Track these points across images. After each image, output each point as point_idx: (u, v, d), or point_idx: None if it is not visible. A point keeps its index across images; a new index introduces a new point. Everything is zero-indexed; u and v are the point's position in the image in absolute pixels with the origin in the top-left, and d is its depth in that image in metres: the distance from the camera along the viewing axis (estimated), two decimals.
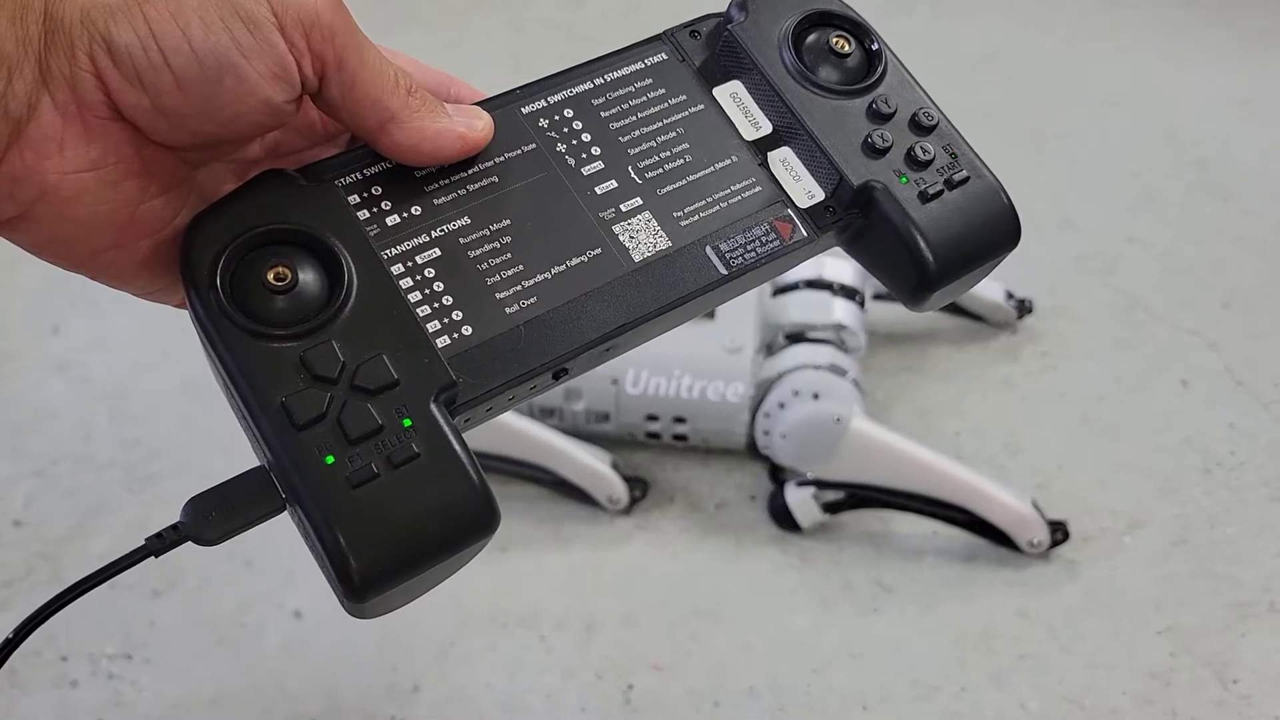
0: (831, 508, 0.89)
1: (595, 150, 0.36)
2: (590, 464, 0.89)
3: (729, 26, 0.38)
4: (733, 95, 0.38)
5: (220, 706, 0.78)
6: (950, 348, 1.09)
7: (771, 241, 0.36)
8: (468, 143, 0.34)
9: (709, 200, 0.36)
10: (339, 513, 0.29)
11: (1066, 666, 0.82)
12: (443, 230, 0.33)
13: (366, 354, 0.31)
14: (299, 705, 0.78)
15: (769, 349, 0.95)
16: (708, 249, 0.35)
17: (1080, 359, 1.09)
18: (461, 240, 0.33)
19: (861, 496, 0.89)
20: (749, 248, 0.36)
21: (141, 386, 1.01)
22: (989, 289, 1.09)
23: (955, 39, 1.52)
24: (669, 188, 0.36)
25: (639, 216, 0.35)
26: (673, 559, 0.89)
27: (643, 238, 0.35)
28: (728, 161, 0.37)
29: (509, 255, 0.34)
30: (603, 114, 0.37)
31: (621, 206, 0.35)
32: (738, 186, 0.37)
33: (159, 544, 0.31)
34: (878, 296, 1.05)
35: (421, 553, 0.30)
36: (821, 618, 0.85)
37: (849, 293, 0.99)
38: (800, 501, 0.89)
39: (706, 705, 0.79)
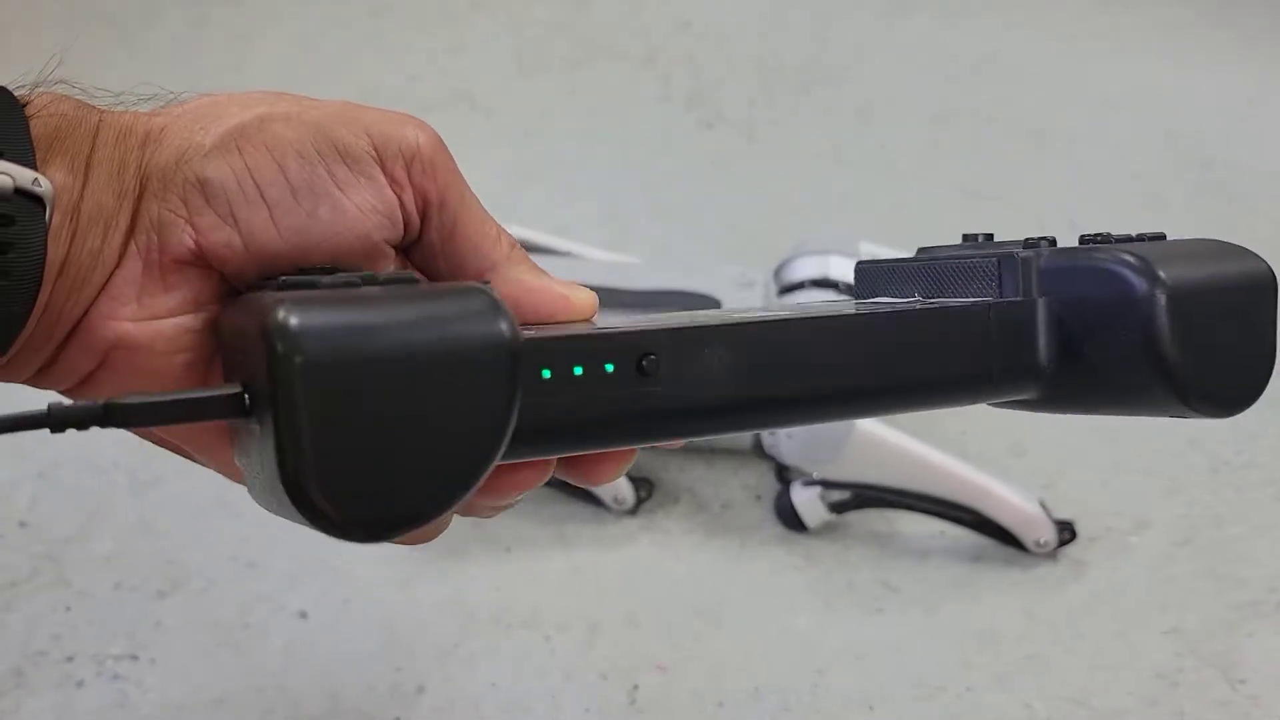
0: (838, 507, 0.89)
1: (710, 311, 0.34)
2: None
3: (861, 265, 0.38)
4: (874, 299, 0.36)
5: (224, 707, 0.78)
6: None
7: (925, 304, 0.31)
8: (571, 305, 0.31)
9: (828, 307, 0.33)
10: (288, 301, 0.23)
11: (1072, 667, 0.82)
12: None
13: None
14: (302, 706, 0.78)
15: None
16: (830, 308, 0.32)
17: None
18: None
19: (867, 496, 0.89)
20: (899, 305, 0.31)
21: None
22: None
23: (956, 40, 1.52)
24: (789, 305, 0.33)
25: (749, 311, 0.32)
26: (677, 559, 0.89)
27: (745, 306, 0.32)
28: (875, 305, 0.33)
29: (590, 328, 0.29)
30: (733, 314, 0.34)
31: (736, 310, 0.33)
32: (860, 305, 0.34)
33: (67, 411, 0.26)
34: None
35: (401, 345, 0.23)
36: (826, 618, 0.85)
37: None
38: (806, 501, 0.88)
39: (710, 706, 0.79)
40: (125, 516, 0.90)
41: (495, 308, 0.24)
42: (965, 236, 0.35)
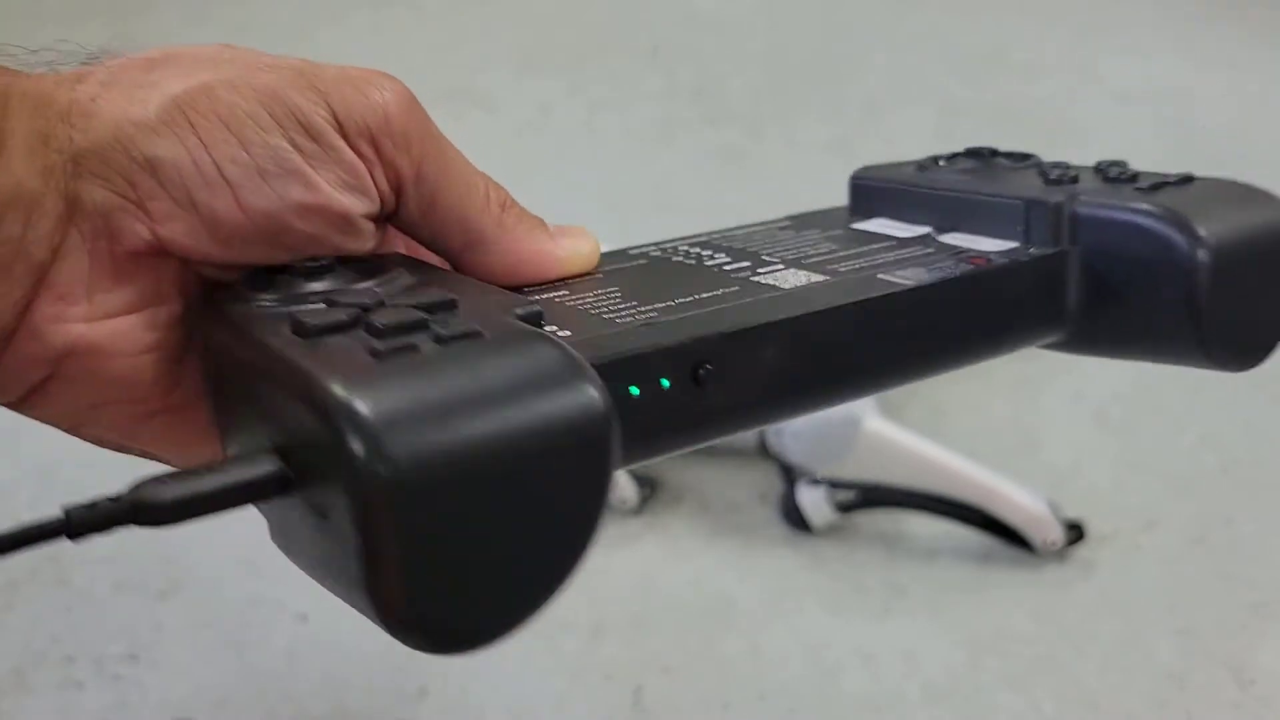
0: (844, 507, 0.88)
1: (717, 255, 0.30)
2: None
3: (858, 180, 0.36)
4: (875, 223, 0.34)
5: (225, 708, 0.78)
6: None
7: (963, 267, 0.29)
8: (567, 269, 0.29)
9: (872, 258, 0.29)
10: (336, 377, 0.19)
11: (1082, 668, 0.81)
12: (535, 292, 0.28)
13: (419, 297, 0.23)
14: (304, 708, 0.78)
15: None
16: (881, 275, 0.28)
17: (1095, 358, 1.08)
18: (556, 296, 0.27)
19: (875, 496, 0.88)
20: (934, 272, 0.28)
21: None
22: None
23: (966, 34, 1.51)
24: (814, 258, 0.30)
25: (783, 272, 0.29)
26: (682, 560, 0.88)
27: (791, 279, 0.28)
28: (888, 244, 0.31)
29: (618, 300, 0.27)
30: (724, 243, 0.32)
31: (759, 269, 0.29)
32: (905, 250, 0.30)
33: (87, 514, 0.22)
34: None
35: (491, 429, 0.19)
36: (833, 619, 0.84)
37: None
38: (813, 501, 0.88)
39: (716, 708, 0.78)
40: None
41: (578, 370, 0.21)
42: (969, 151, 0.35)
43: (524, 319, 0.23)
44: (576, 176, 1.30)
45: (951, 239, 0.31)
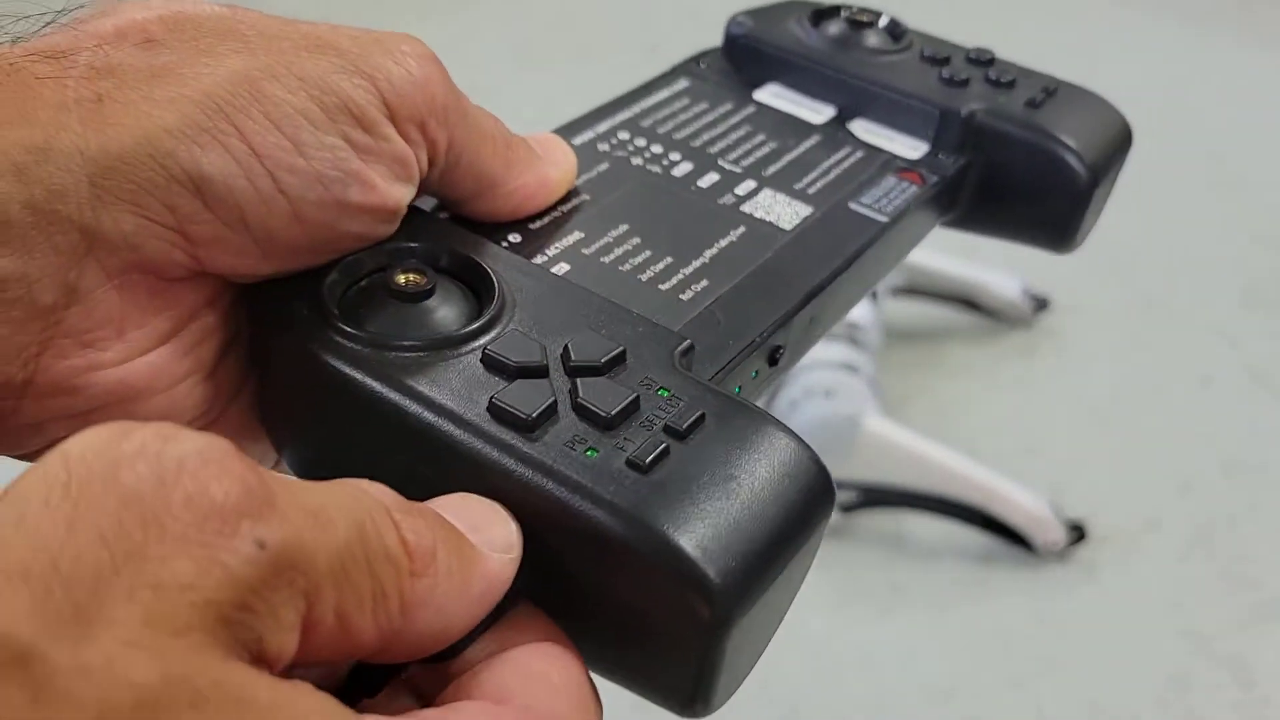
0: (845, 508, 0.88)
1: (674, 155, 0.32)
2: None
3: (741, 38, 0.36)
4: (775, 95, 0.35)
5: None
6: (966, 345, 1.08)
7: (909, 190, 0.32)
8: (564, 190, 0.28)
9: (821, 170, 0.32)
10: (650, 507, 0.20)
11: (1084, 669, 0.81)
12: (557, 247, 0.27)
13: (565, 335, 0.23)
14: None
15: None
16: (852, 205, 0.31)
17: (1097, 357, 1.08)
18: (585, 251, 0.27)
19: (876, 496, 0.88)
20: (892, 197, 0.32)
21: None
22: (1005, 285, 1.08)
23: (961, 35, 1.50)
24: (772, 169, 0.32)
25: (762, 194, 0.31)
26: None
27: (779, 210, 0.30)
28: (813, 140, 0.34)
29: (649, 252, 0.28)
30: (659, 130, 0.33)
31: (737, 191, 0.31)
32: (839, 156, 0.33)
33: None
34: (894, 293, 1.04)
35: (772, 533, 0.21)
36: (835, 620, 0.84)
37: None
38: None
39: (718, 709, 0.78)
40: None
41: (809, 454, 0.22)
42: (849, 19, 0.37)
43: (685, 356, 0.24)
44: None
45: (864, 131, 0.34)
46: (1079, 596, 0.86)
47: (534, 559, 0.21)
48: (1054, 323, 1.11)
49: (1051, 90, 0.35)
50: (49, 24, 0.22)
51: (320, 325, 0.23)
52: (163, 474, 0.15)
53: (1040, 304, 1.10)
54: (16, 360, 0.20)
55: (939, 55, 0.36)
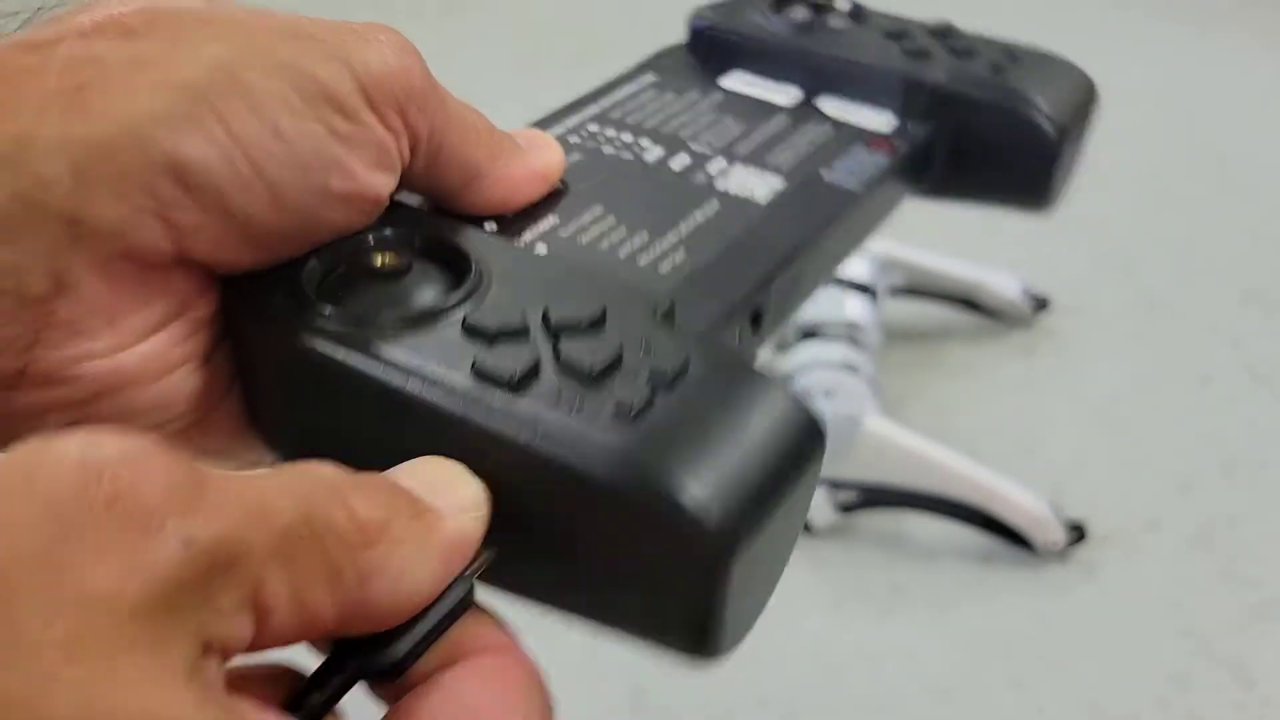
0: (845, 508, 0.88)
1: (644, 142, 0.32)
2: None
3: (705, 29, 0.37)
4: (741, 81, 0.36)
5: None
6: (966, 345, 1.08)
7: (881, 158, 0.33)
8: (551, 184, 0.28)
9: (791, 146, 0.33)
10: (639, 451, 0.20)
11: (1083, 669, 0.81)
12: (533, 232, 0.27)
13: (545, 299, 0.23)
14: None
15: (780, 346, 0.94)
16: (825, 176, 0.32)
17: (1097, 356, 1.08)
18: (561, 234, 0.27)
19: (875, 496, 0.88)
20: (864, 166, 0.32)
21: None
22: (1005, 285, 1.08)
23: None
24: (743, 147, 0.32)
25: (734, 171, 0.31)
26: None
27: (753, 184, 0.31)
28: (782, 119, 0.34)
29: (624, 230, 0.28)
30: (629, 120, 0.34)
31: (709, 169, 0.31)
32: (808, 133, 0.34)
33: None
34: (893, 292, 1.04)
35: (764, 470, 0.21)
36: (834, 620, 0.84)
37: (862, 289, 0.97)
38: (814, 502, 0.87)
39: (717, 708, 0.78)
40: None
41: (797, 400, 0.23)
42: (813, 6, 0.38)
43: (667, 316, 0.24)
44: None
45: (831, 108, 0.35)
46: (1079, 596, 0.86)
47: (529, 516, 0.21)
48: (1054, 323, 1.11)
49: (1013, 55, 0.36)
50: (27, 21, 0.22)
51: (298, 310, 0.23)
52: (85, 480, 0.15)
53: (1040, 304, 1.10)
54: (9, 351, 0.20)
55: (899, 30, 0.36)
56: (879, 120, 0.34)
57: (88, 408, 0.22)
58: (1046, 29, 1.65)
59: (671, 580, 0.20)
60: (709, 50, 0.37)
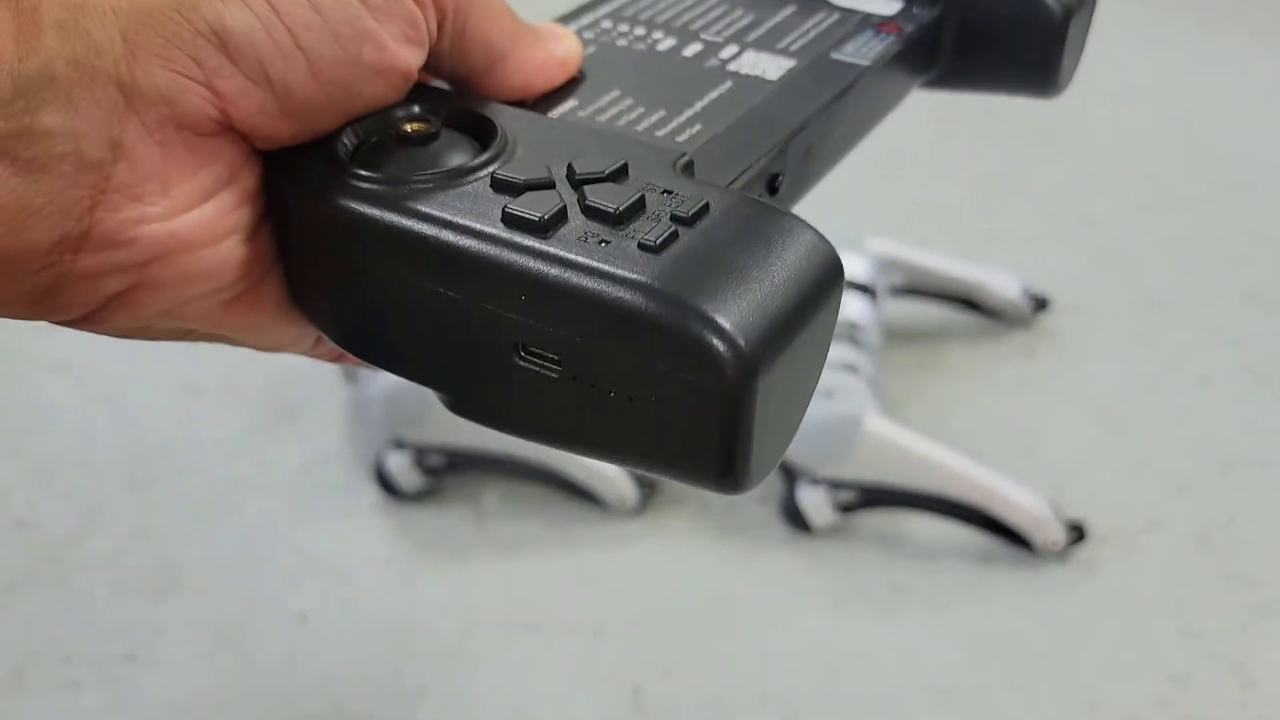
0: (845, 508, 0.88)
1: (657, 34, 0.33)
2: (599, 464, 0.88)
3: None
4: None
5: (224, 709, 0.77)
6: (966, 345, 1.08)
7: (889, 39, 0.34)
8: (570, 73, 0.29)
9: (801, 31, 0.34)
10: (664, 278, 0.21)
11: (1083, 669, 0.81)
12: (554, 113, 0.28)
13: (569, 156, 0.24)
14: (303, 709, 0.77)
15: None
16: (834, 54, 0.33)
17: (1097, 356, 1.08)
18: (580, 114, 0.28)
19: (875, 496, 0.88)
20: (873, 46, 0.33)
21: (141, 387, 1.00)
22: (1005, 285, 1.08)
23: None
24: (754, 34, 0.33)
25: (745, 55, 0.32)
26: (682, 561, 0.88)
27: (764, 65, 0.32)
28: (790, 8, 0.35)
29: (642, 109, 0.29)
30: (641, 16, 0.34)
31: (721, 55, 0.32)
32: (817, 19, 0.34)
33: None
34: (893, 292, 1.04)
35: (786, 297, 0.22)
36: (834, 620, 0.84)
37: (862, 289, 0.97)
38: (813, 502, 0.87)
39: (717, 709, 0.78)
40: (124, 517, 0.89)
41: (814, 231, 0.23)
42: None
43: (686, 169, 0.26)
44: None
45: None
46: (1079, 596, 0.86)
47: (560, 353, 0.22)
48: (1054, 323, 1.11)
49: None
50: None
51: (333, 174, 0.24)
52: None
53: (1040, 304, 1.10)
54: (72, 214, 0.21)
55: None
56: (885, 5, 0.35)
57: (145, 271, 0.23)
58: None
59: (701, 405, 0.21)
60: None
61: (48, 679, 0.79)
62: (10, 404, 0.99)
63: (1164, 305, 1.14)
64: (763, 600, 0.85)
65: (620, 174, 0.24)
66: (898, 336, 1.07)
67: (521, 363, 0.23)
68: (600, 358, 0.22)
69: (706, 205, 0.23)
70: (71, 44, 0.20)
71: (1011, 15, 0.34)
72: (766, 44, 0.33)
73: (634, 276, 0.21)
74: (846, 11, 0.35)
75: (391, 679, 0.79)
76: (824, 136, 0.30)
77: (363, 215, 0.23)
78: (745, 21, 0.34)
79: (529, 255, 0.22)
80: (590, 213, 0.22)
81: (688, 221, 0.22)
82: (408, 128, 0.25)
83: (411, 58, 0.25)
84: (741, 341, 0.20)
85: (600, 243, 0.22)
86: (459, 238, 0.22)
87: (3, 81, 0.20)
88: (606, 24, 0.34)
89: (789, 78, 0.31)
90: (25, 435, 0.96)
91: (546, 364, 0.22)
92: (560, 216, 0.22)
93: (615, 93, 0.29)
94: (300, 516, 0.90)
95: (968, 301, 1.08)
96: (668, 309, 0.20)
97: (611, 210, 0.22)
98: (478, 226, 0.22)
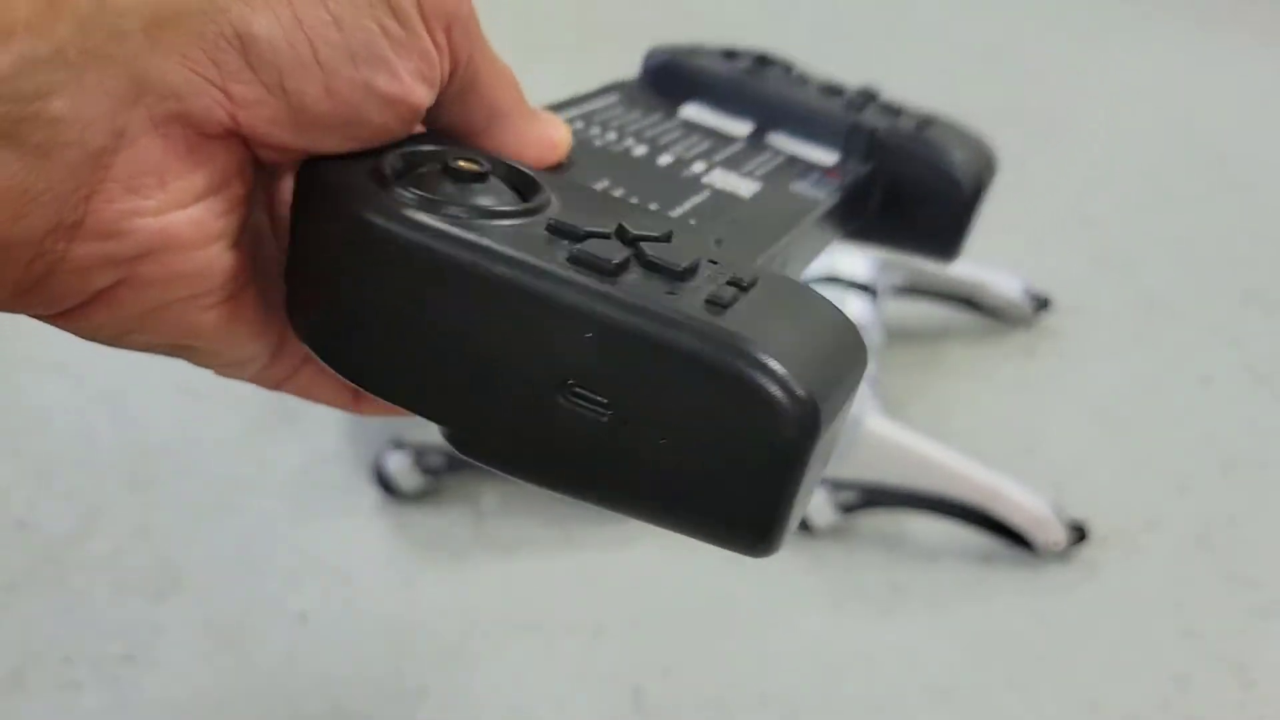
0: (846, 508, 0.88)
1: (628, 142, 0.34)
2: None
3: (663, 63, 0.40)
4: (698, 111, 0.39)
5: (224, 709, 0.77)
6: (966, 345, 1.08)
7: (833, 183, 0.35)
8: (561, 155, 0.30)
9: (760, 161, 0.36)
10: (737, 332, 0.22)
11: (1084, 669, 0.81)
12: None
13: (617, 218, 0.25)
14: (303, 709, 0.77)
15: None
16: (791, 187, 0.35)
17: (1098, 356, 1.08)
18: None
19: (876, 497, 0.87)
20: (822, 186, 0.35)
21: (141, 387, 1.00)
22: (1006, 285, 1.08)
23: (967, 32, 1.50)
24: (718, 157, 0.35)
25: (714, 173, 0.34)
26: (683, 561, 0.88)
27: (733, 183, 0.33)
28: (741, 144, 0.37)
29: (637, 200, 0.30)
30: (610, 124, 0.36)
31: (693, 169, 0.34)
32: (768, 155, 0.36)
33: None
34: (894, 292, 1.04)
35: (835, 366, 0.23)
36: (834, 620, 0.84)
37: (863, 289, 0.97)
38: (813, 503, 0.87)
39: (717, 708, 0.78)
40: (124, 517, 0.89)
41: (850, 321, 0.25)
42: (758, 57, 0.41)
43: (719, 243, 0.27)
44: None
45: (780, 142, 0.38)
46: (1080, 596, 0.85)
47: (611, 395, 0.22)
48: (1054, 323, 1.11)
49: (929, 119, 0.39)
50: None
51: (384, 191, 0.24)
52: None
53: (1040, 304, 1.10)
54: (69, 201, 0.21)
55: (835, 88, 0.40)
56: (825, 156, 0.38)
57: (134, 266, 0.23)
58: (1047, 29, 1.66)
59: (756, 453, 0.22)
60: (665, 82, 0.39)
61: (48, 679, 0.79)
62: (10, 404, 0.99)
63: (1164, 305, 1.14)
64: (763, 600, 0.85)
65: (670, 237, 0.24)
66: (898, 336, 1.07)
67: (565, 403, 0.23)
68: (658, 402, 0.22)
69: (756, 277, 0.24)
70: (89, 32, 0.20)
71: (932, 185, 0.37)
72: (732, 166, 0.34)
73: (706, 322, 0.22)
74: (791, 155, 0.37)
75: (391, 679, 0.79)
76: (788, 259, 0.32)
77: (414, 235, 0.23)
78: (706, 146, 0.36)
79: (599, 294, 0.22)
80: (651, 267, 0.23)
81: (744, 288, 0.23)
82: (459, 163, 0.25)
83: (423, 94, 0.25)
84: (804, 394, 0.21)
85: (667, 293, 0.22)
86: (522, 271, 0.22)
87: (14, 63, 0.20)
88: (580, 124, 0.35)
89: (761, 197, 0.33)
90: (25, 435, 0.96)
91: (594, 406, 0.23)
92: (626, 265, 0.23)
93: (606, 182, 0.30)
94: (300, 516, 0.90)
95: (969, 301, 1.08)
96: (739, 357, 0.21)
97: (672, 266, 0.23)
98: (543, 264, 0.22)
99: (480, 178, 0.25)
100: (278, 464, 0.93)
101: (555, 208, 0.25)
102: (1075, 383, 1.05)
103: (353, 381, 0.26)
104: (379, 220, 0.23)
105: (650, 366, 0.22)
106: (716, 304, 0.22)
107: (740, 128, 0.38)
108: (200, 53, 0.22)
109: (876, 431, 0.86)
